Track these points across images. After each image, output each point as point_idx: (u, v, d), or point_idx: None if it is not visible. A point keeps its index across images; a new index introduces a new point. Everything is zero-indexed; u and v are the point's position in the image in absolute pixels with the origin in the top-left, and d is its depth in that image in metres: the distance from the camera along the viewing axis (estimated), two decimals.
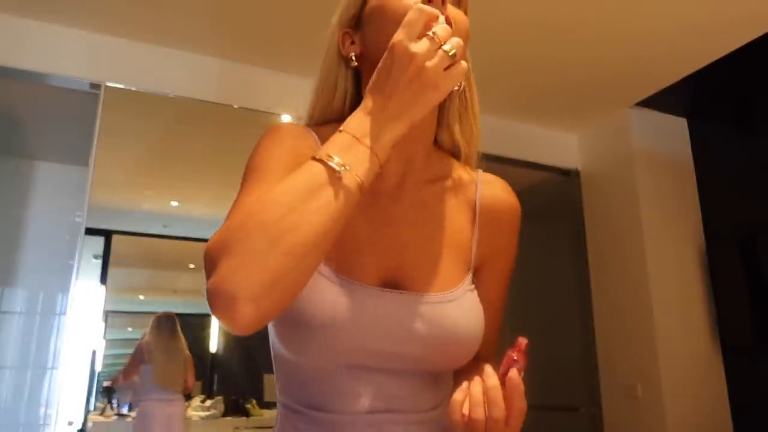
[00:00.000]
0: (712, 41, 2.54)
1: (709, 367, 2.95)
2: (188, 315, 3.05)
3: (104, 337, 2.95)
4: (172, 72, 2.63)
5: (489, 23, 2.42)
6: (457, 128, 0.80)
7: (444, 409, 0.73)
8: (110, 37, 2.54)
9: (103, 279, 2.97)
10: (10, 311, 2.93)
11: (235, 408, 3.03)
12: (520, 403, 0.61)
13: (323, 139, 0.68)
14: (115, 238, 3.06)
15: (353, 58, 0.75)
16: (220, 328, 3.17)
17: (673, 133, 3.28)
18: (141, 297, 3.36)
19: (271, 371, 0.78)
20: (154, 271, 3.41)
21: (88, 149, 2.41)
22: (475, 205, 0.80)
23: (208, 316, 3.18)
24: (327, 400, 0.70)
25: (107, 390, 2.91)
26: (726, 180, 3.08)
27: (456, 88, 0.72)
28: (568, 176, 3.46)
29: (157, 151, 2.98)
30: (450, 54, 0.59)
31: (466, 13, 0.75)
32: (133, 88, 2.54)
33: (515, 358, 0.63)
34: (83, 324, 2.63)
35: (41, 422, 2.86)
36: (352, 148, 0.58)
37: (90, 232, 2.50)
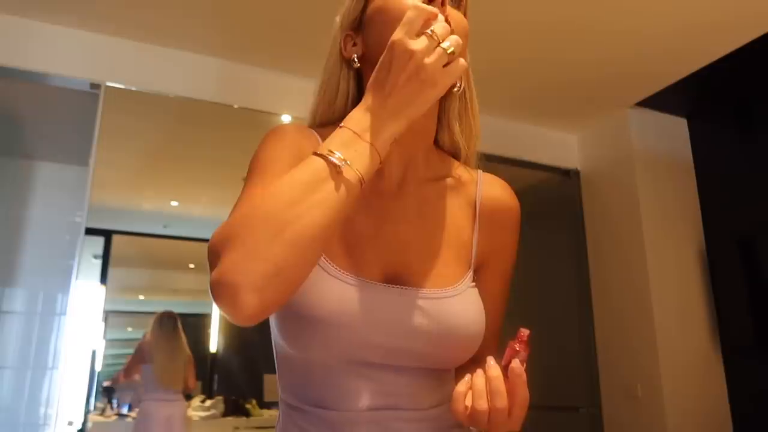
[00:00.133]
0: (712, 41, 2.54)
1: (709, 367, 2.95)
2: (188, 315, 3.06)
3: (104, 337, 2.95)
4: (172, 72, 2.63)
5: (489, 23, 2.42)
6: (457, 128, 0.81)
7: (446, 407, 0.73)
8: (110, 37, 2.54)
9: (103, 279, 2.97)
10: (10, 311, 2.93)
11: (235, 408, 3.04)
12: (523, 393, 0.62)
13: (325, 140, 0.68)
14: (115, 238, 3.07)
15: (355, 59, 0.76)
16: (220, 328, 3.17)
17: (673, 133, 3.28)
18: (141, 297, 3.36)
19: (271, 371, 0.78)
20: (154, 271, 3.41)
21: (88, 149, 2.41)
22: (476, 204, 0.81)
23: (208, 316, 3.18)
24: (329, 397, 0.70)
25: (107, 390, 2.91)
26: (726, 180, 3.08)
27: (456, 89, 0.73)
28: (568, 176, 3.47)
29: (157, 151, 2.98)
30: (448, 51, 0.60)
31: (465, 14, 0.76)
32: (133, 88, 2.54)
33: (517, 348, 0.63)
34: (83, 324, 2.63)
35: (41, 422, 2.86)
36: (353, 144, 0.60)
37: (90, 232, 2.50)
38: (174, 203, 3.28)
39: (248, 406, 3.05)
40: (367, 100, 0.62)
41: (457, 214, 0.80)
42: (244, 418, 3.01)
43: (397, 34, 0.60)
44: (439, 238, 0.77)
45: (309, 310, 0.65)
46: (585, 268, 3.31)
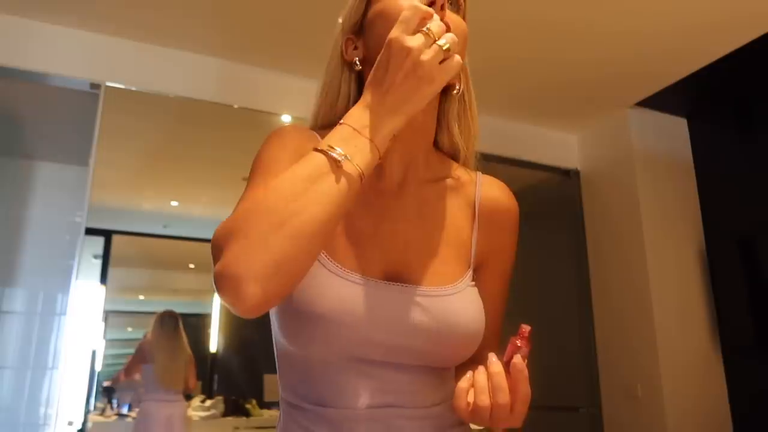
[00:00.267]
0: (712, 41, 2.55)
1: (709, 367, 2.95)
2: (188, 315, 3.06)
3: (104, 337, 2.95)
4: (172, 72, 2.63)
5: (489, 23, 2.42)
6: (456, 129, 0.82)
7: (447, 405, 0.73)
8: (110, 37, 2.54)
9: (103, 279, 2.97)
10: (10, 311, 2.93)
11: (235, 408, 3.03)
12: (525, 389, 0.62)
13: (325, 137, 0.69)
14: (115, 238, 3.06)
15: (357, 62, 0.78)
16: (220, 328, 3.17)
17: (673, 133, 3.28)
18: (141, 297, 3.36)
19: (271, 371, 0.78)
20: (154, 271, 3.41)
21: (88, 149, 2.41)
22: (475, 204, 0.81)
23: (208, 316, 3.18)
24: (330, 395, 0.70)
25: (107, 390, 2.91)
26: (726, 180, 3.08)
27: (455, 90, 0.74)
28: (568, 176, 3.47)
29: (157, 151, 2.98)
30: (444, 48, 0.61)
31: (464, 18, 0.77)
32: (133, 88, 2.55)
33: (519, 344, 0.63)
34: (83, 324, 2.63)
35: (41, 422, 2.86)
36: (353, 140, 0.61)
37: (90, 232, 2.50)
38: (174, 203, 3.28)
39: (248, 406, 3.05)
40: (366, 97, 0.63)
41: (456, 215, 0.80)
42: (244, 418, 3.01)
43: (394, 33, 0.61)
44: (438, 238, 0.77)
45: (309, 306, 0.66)
46: (585, 268, 3.31)
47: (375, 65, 0.63)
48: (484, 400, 0.62)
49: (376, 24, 0.75)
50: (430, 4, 0.68)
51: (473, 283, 0.78)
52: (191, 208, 3.39)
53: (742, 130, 3.04)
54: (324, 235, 0.59)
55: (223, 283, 0.56)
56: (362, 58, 0.78)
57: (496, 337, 0.82)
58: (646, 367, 2.87)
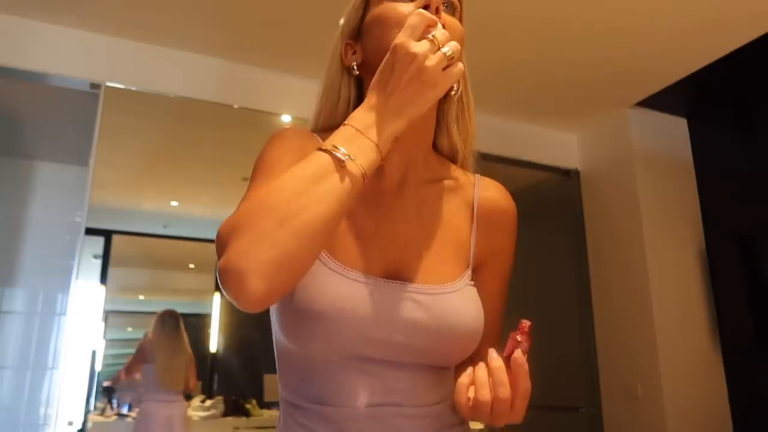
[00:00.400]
0: (712, 41, 2.55)
1: (709, 367, 2.95)
2: (188, 315, 3.06)
3: (104, 337, 2.95)
4: (172, 72, 2.63)
5: (489, 23, 2.42)
6: (455, 130, 0.83)
7: (447, 404, 0.74)
8: (110, 37, 2.54)
9: (103, 279, 2.97)
10: (10, 311, 2.93)
11: (235, 408, 3.03)
12: (525, 384, 0.63)
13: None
14: (115, 238, 3.06)
15: (355, 67, 0.80)
16: (220, 328, 3.17)
17: (673, 133, 3.28)
18: (141, 297, 3.36)
19: (271, 371, 0.79)
20: (154, 271, 3.41)
21: (88, 149, 2.41)
22: (473, 205, 0.83)
23: (208, 316, 3.18)
24: (329, 393, 0.70)
25: (107, 390, 2.91)
26: (726, 180, 3.08)
27: (454, 92, 0.75)
28: (568, 176, 3.47)
29: (157, 151, 2.98)
30: (448, 56, 0.63)
31: (461, 21, 0.79)
32: (133, 88, 2.55)
33: (519, 339, 0.64)
34: (83, 324, 2.63)
35: (41, 422, 2.86)
36: (356, 140, 0.62)
37: (90, 232, 2.50)
38: (174, 203, 3.28)
39: (248, 406, 3.05)
40: (370, 99, 0.65)
41: (455, 215, 0.81)
42: (244, 418, 3.01)
43: (400, 38, 0.63)
44: (437, 237, 0.78)
45: (310, 304, 0.67)
46: (585, 268, 3.31)
47: (380, 68, 0.65)
48: (485, 394, 0.63)
49: (373, 29, 0.77)
50: (425, 8, 0.70)
51: (472, 282, 0.78)
52: (191, 208, 3.39)
53: (742, 130, 3.04)
54: (326, 233, 0.60)
55: (227, 278, 0.57)
56: (360, 63, 0.79)
57: (496, 338, 0.82)
58: (646, 367, 2.87)
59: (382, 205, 0.78)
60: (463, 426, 0.77)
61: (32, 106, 2.68)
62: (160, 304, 3.19)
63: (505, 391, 0.62)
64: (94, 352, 2.87)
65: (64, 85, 2.47)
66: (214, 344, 3.14)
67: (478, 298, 0.77)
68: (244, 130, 2.85)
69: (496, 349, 0.66)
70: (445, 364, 0.75)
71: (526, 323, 0.64)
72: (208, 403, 2.99)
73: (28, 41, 2.40)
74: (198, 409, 2.95)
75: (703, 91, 3.01)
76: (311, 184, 0.60)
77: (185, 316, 2.98)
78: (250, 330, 3.17)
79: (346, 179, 0.61)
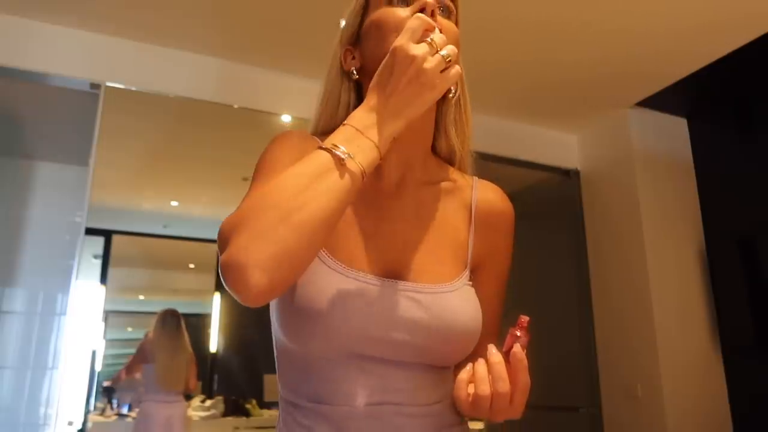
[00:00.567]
0: (712, 41, 2.55)
1: (709, 367, 2.95)
2: (188, 315, 3.06)
3: (104, 337, 2.95)
4: (172, 72, 2.63)
5: (489, 23, 2.42)
6: (453, 133, 0.85)
7: (447, 404, 0.75)
8: (110, 37, 2.54)
9: (103, 279, 2.98)
10: (10, 311, 2.93)
11: (235, 408, 3.04)
12: (524, 378, 0.64)
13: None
14: (115, 238, 3.07)
15: (354, 71, 0.81)
16: (220, 328, 3.17)
17: (673, 133, 3.28)
18: (141, 297, 3.36)
19: (271, 371, 0.79)
20: (154, 271, 3.41)
21: (88, 149, 2.41)
22: (471, 207, 0.84)
23: (208, 316, 3.18)
24: (329, 392, 0.71)
25: (107, 390, 2.91)
26: (726, 180, 3.08)
27: (452, 94, 0.77)
28: (568, 176, 3.47)
29: (157, 151, 2.98)
30: (446, 59, 0.64)
31: (457, 24, 0.80)
32: (133, 88, 2.54)
33: (518, 334, 0.65)
34: (83, 324, 2.63)
35: (41, 422, 2.86)
36: (356, 140, 0.63)
37: (90, 232, 2.50)
38: (174, 203, 3.28)
39: (248, 406, 3.05)
40: (370, 100, 0.66)
41: (453, 216, 0.82)
42: (244, 418, 3.01)
43: (400, 41, 0.64)
44: (436, 238, 0.79)
45: (310, 303, 0.68)
46: (585, 268, 3.31)
47: (379, 70, 0.66)
48: (485, 389, 0.64)
49: (371, 34, 0.78)
50: (421, 11, 0.71)
51: (470, 283, 0.79)
52: (191, 208, 3.39)
53: (742, 130, 3.04)
54: (326, 229, 0.61)
55: (229, 272, 0.58)
56: (359, 68, 0.81)
57: (494, 339, 0.82)
58: (646, 367, 2.87)
59: (381, 206, 0.79)
60: (462, 425, 0.78)
61: (32, 106, 2.68)
62: (160, 304, 3.19)
63: (504, 386, 0.63)
64: (94, 352, 2.88)
65: (64, 85, 2.46)
66: (214, 344, 3.15)
67: (476, 298, 0.77)
68: (244, 130, 2.85)
69: (495, 345, 0.67)
70: (444, 363, 0.76)
71: (524, 319, 0.65)
72: (208, 403, 2.99)
73: (28, 41, 2.40)
74: (198, 409, 2.96)
75: (703, 91, 3.01)
76: (311, 181, 0.61)
77: (185, 316, 2.98)
78: (250, 330, 3.17)
79: (346, 177, 0.62)
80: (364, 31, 0.81)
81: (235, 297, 0.59)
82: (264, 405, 3.07)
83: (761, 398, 2.79)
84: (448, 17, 0.79)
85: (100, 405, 2.86)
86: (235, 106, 2.71)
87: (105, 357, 2.98)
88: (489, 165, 3.15)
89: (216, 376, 3.14)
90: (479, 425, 3.01)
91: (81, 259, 2.43)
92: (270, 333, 0.79)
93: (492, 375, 0.64)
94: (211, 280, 3.23)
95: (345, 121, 0.66)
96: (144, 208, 3.29)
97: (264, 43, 2.61)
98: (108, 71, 2.51)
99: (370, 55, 0.78)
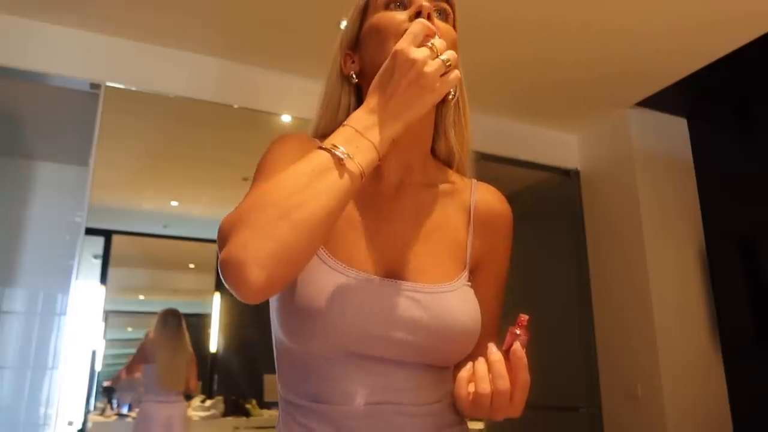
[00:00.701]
0: (712, 41, 2.55)
1: (709, 367, 2.95)
2: (188, 315, 3.06)
3: (104, 337, 2.95)
4: (172, 72, 2.63)
5: (489, 24, 2.42)
6: (452, 135, 0.86)
7: (447, 404, 0.75)
8: (110, 37, 2.54)
9: (103, 279, 2.98)
10: (10, 311, 2.93)
11: (235, 408, 3.04)
12: (524, 376, 0.65)
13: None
14: (115, 238, 3.07)
15: (353, 75, 0.83)
16: (220, 328, 3.17)
17: (673, 133, 3.28)
18: (141, 297, 3.36)
19: (271, 371, 0.79)
20: (154, 271, 3.41)
21: (88, 149, 2.41)
22: (470, 209, 0.85)
23: (208, 316, 3.18)
24: (328, 392, 0.71)
25: (107, 390, 2.91)
26: (726, 180, 3.08)
27: (451, 97, 0.77)
28: (568, 176, 3.47)
29: (157, 151, 2.98)
30: (446, 63, 0.66)
31: (454, 27, 0.82)
32: (133, 88, 2.54)
33: (518, 333, 0.65)
34: (83, 324, 2.63)
35: (41, 422, 2.86)
36: (355, 140, 0.64)
37: (90, 232, 2.50)
38: (174, 203, 3.28)
39: (248, 406, 3.05)
40: (370, 102, 0.67)
41: (452, 218, 0.83)
42: (244, 418, 3.01)
43: (401, 44, 0.65)
44: (435, 239, 0.80)
45: (310, 302, 0.68)
46: (585, 268, 3.31)
47: (380, 72, 0.67)
48: (485, 387, 0.65)
49: (369, 38, 0.80)
50: (417, 14, 0.73)
51: (469, 283, 0.80)
52: (191, 208, 3.39)
53: (742, 130, 3.04)
54: (325, 227, 0.62)
55: (228, 269, 0.59)
56: (359, 71, 0.83)
57: (494, 339, 0.83)
58: (646, 367, 2.87)
59: (380, 207, 0.79)
60: (462, 425, 0.78)
61: (32, 106, 2.68)
62: (160, 304, 3.19)
63: (504, 384, 0.64)
64: (94, 352, 2.88)
65: (64, 85, 2.46)
66: (214, 344, 3.15)
67: (475, 298, 0.78)
68: (244, 130, 2.85)
69: (495, 344, 0.67)
70: (443, 363, 0.76)
71: (524, 317, 0.66)
72: (208, 403, 2.99)
73: (28, 41, 2.40)
74: (198, 409, 2.96)
75: (703, 91, 3.01)
76: (311, 180, 0.61)
77: (185, 316, 2.98)
78: (250, 330, 3.17)
79: (345, 176, 0.62)
80: (362, 35, 0.82)
81: (235, 294, 0.59)
82: (264, 405, 3.07)
83: (761, 398, 2.79)
84: (446, 20, 0.80)
85: (100, 405, 2.86)
86: (235, 106, 2.71)
87: (105, 357, 2.98)
88: (489, 165, 3.15)
89: (216, 376, 3.14)
90: (479, 425, 3.01)
91: (81, 259, 2.43)
92: (270, 333, 0.79)
93: (492, 373, 0.65)
94: (211, 280, 3.23)
95: (345, 122, 0.66)
96: (144, 208, 3.29)
97: (264, 43, 2.61)
98: (108, 71, 2.51)
99: (369, 59, 0.79)
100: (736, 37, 2.51)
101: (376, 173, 0.80)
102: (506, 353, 0.65)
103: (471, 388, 0.66)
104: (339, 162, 0.62)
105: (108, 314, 3.02)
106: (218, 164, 3.04)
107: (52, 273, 2.96)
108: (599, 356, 3.16)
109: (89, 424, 2.67)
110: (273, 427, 0.79)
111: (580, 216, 3.40)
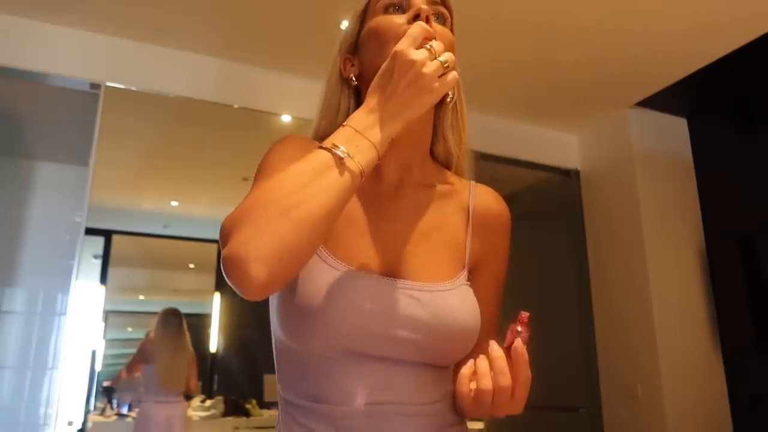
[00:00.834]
0: (712, 41, 2.55)
1: (709, 367, 2.95)
2: (188, 315, 3.05)
3: (104, 337, 2.95)
4: (172, 72, 2.63)
5: (490, 24, 2.42)
6: (451, 137, 0.87)
7: (447, 404, 0.75)
8: (110, 37, 2.54)
9: (103, 279, 2.97)
10: (10, 311, 2.93)
11: (235, 408, 3.03)
12: (526, 373, 0.65)
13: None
14: (115, 238, 3.06)
15: (353, 78, 0.84)
16: (220, 328, 3.17)
17: (673, 133, 3.28)
18: (141, 297, 3.36)
19: (271, 371, 0.79)
20: (154, 271, 3.41)
21: (88, 149, 2.41)
22: (469, 210, 0.85)
23: (208, 316, 3.18)
24: (329, 391, 0.71)
25: (107, 390, 2.91)
26: (726, 180, 3.08)
27: (449, 99, 0.79)
28: (568, 176, 3.47)
29: (157, 151, 2.98)
30: (444, 65, 0.67)
31: (452, 30, 0.83)
32: (133, 88, 2.55)
33: (519, 329, 0.66)
34: (83, 324, 2.63)
35: (41, 422, 2.86)
36: (355, 140, 0.65)
37: (90, 232, 2.50)
38: (174, 203, 3.28)
39: (248, 406, 3.05)
40: (369, 102, 0.67)
41: (451, 218, 0.84)
42: (244, 418, 3.01)
43: (400, 46, 0.66)
44: (434, 239, 0.80)
45: (309, 300, 0.69)
46: (585, 268, 3.31)
47: (379, 73, 0.68)
48: (487, 383, 0.65)
49: (369, 41, 0.81)
50: (415, 18, 0.74)
51: (468, 282, 0.80)
52: (191, 208, 3.39)
53: (742, 130, 3.04)
54: (325, 225, 0.63)
55: (230, 266, 0.59)
56: (358, 74, 0.84)
57: (494, 338, 0.83)
58: (646, 367, 2.87)
59: (380, 207, 0.80)
60: (462, 425, 0.78)
61: (32, 106, 2.68)
62: (160, 304, 3.19)
63: (506, 380, 0.64)
64: (94, 352, 2.87)
65: (64, 85, 2.47)
66: (214, 344, 3.15)
67: (475, 298, 0.78)
68: (244, 130, 2.85)
69: (496, 342, 0.67)
70: (443, 362, 0.76)
71: (525, 314, 0.66)
72: (208, 403, 2.99)
73: (28, 41, 2.40)
74: (198, 409, 2.96)
75: (703, 91, 3.01)
76: (311, 178, 0.62)
77: (185, 316, 2.98)
78: (250, 330, 3.17)
79: (345, 175, 0.63)
80: (362, 39, 0.83)
81: (237, 290, 0.60)
82: (264, 405, 3.07)
83: (761, 398, 2.79)
84: (443, 24, 0.81)
85: (100, 405, 2.86)
86: (235, 106, 2.71)
87: (105, 357, 2.98)
88: (489, 165, 3.15)
89: (216, 376, 3.14)
90: (479, 425, 3.01)
91: (81, 259, 2.43)
92: (270, 333, 0.79)
93: (494, 369, 0.65)
94: (211, 280, 3.23)
95: (345, 122, 0.67)
96: (144, 208, 3.29)
97: (264, 43, 2.61)
98: (108, 71, 2.51)
99: (369, 62, 0.80)
100: (736, 37, 2.51)
101: (375, 174, 0.81)
102: (507, 350, 0.65)
103: (473, 385, 0.67)
104: (339, 161, 0.63)
105: (108, 314, 3.02)
106: (218, 164, 3.04)
107: (52, 273, 2.96)
108: (599, 356, 3.16)
109: (89, 424, 2.67)
110: (273, 427, 0.79)
111: (580, 216, 3.40)
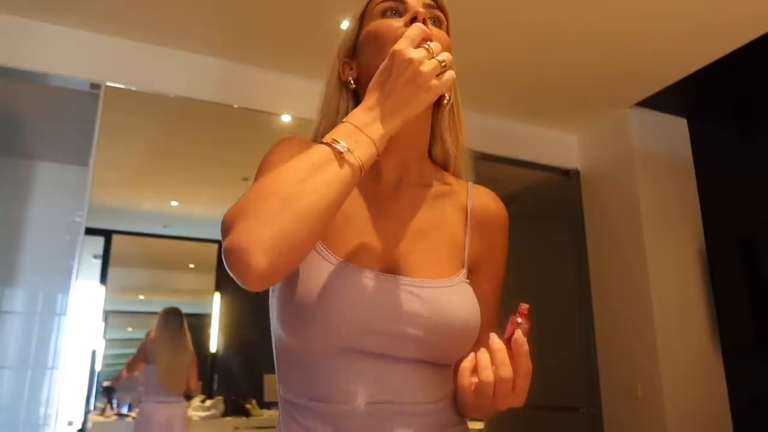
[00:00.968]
0: (712, 41, 2.55)
1: (709, 367, 2.95)
2: (188, 315, 3.05)
3: (104, 337, 2.95)
4: (172, 72, 2.63)
5: (490, 24, 2.42)
6: (448, 138, 0.89)
7: (447, 403, 0.75)
8: (110, 37, 2.54)
9: (103, 279, 2.97)
10: (10, 311, 2.93)
11: (235, 408, 3.03)
12: (526, 364, 0.66)
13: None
14: (115, 238, 3.06)
15: (351, 81, 0.85)
16: (220, 328, 3.17)
17: (673, 133, 3.28)
18: (141, 297, 3.36)
19: (271, 371, 0.79)
20: (154, 271, 3.41)
21: (88, 149, 2.41)
22: (467, 210, 0.86)
23: (208, 316, 3.18)
24: (328, 390, 0.71)
25: (107, 390, 2.91)
26: (726, 180, 3.08)
27: (446, 100, 0.81)
28: (568, 176, 3.47)
29: (157, 151, 2.98)
30: (442, 64, 0.68)
31: (448, 33, 0.85)
32: (133, 88, 2.55)
33: (519, 321, 0.66)
34: (83, 324, 2.63)
35: (41, 422, 2.86)
36: (354, 136, 0.66)
37: (90, 232, 2.50)
38: (174, 203, 3.28)
39: (248, 406, 3.05)
40: (368, 100, 0.69)
41: (449, 218, 0.85)
42: (244, 418, 3.01)
43: (399, 45, 0.67)
44: (432, 238, 0.81)
45: (309, 297, 0.69)
46: (585, 268, 3.31)
47: (378, 72, 0.69)
48: (488, 375, 0.65)
49: (367, 44, 0.83)
50: (412, 21, 0.76)
51: (468, 281, 0.81)
52: (191, 208, 3.39)
53: (742, 130, 3.04)
54: (325, 218, 0.64)
55: (231, 256, 0.60)
56: (356, 78, 0.85)
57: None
58: (646, 367, 2.87)
59: (379, 207, 0.81)
60: (463, 425, 0.78)
61: (32, 106, 2.68)
62: (160, 304, 3.19)
63: (507, 371, 0.65)
64: (94, 352, 2.87)
65: (64, 85, 2.47)
66: (214, 344, 3.14)
67: (474, 295, 0.79)
68: (244, 130, 2.85)
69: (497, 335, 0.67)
70: (443, 359, 0.76)
71: (524, 306, 0.67)
72: (208, 403, 2.99)
73: (28, 41, 2.40)
74: (198, 409, 2.95)
75: (703, 91, 3.01)
76: (312, 172, 0.63)
77: (185, 316, 2.98)
78: (250, 330, 3.17)
79: (345, 168, 0.64)
80: (360, 42, 0.85)
81: (237, 280, 0.61)
82: (264, 405, 3.07)
83: (761, 398, 2.79)
84: (440, 27, 0.83)
85: (100, 405, 2.86)
86: (235, 106, 2.71)
87: (105, 357, 2.98)
88: (489, 165, 3.15)
89: (216, 376, 3.14)
90: (479, 425, 3.01)
91: (81, 259, 2.43)
92: (269, 333, 0.79)
93: (494, 361, 0.65)
94: (211, 280, 3.22)
95: (345, 119, 0.68)
96: (144, 208, 3.29)
97: (264, 43, 2.61)
98: (108, 71, 2.51)
99: (367, 65, 0.81)
100: (736, 37, 2.52)
101: (374, 173, 0.82)
102: (507, 342, 0.66)
103: (474, 378, 0.67)
104: (339, 155, 0.64)
105: (108, 314, 3.02)
106: (218, 164, 3.04)
107: (52, 273, 2.96)
108: (599, 356, 3.16)
109: (89, 424, 2.67)
110: (273, 427, 0.79)
111: (580, 216, 3.40)
